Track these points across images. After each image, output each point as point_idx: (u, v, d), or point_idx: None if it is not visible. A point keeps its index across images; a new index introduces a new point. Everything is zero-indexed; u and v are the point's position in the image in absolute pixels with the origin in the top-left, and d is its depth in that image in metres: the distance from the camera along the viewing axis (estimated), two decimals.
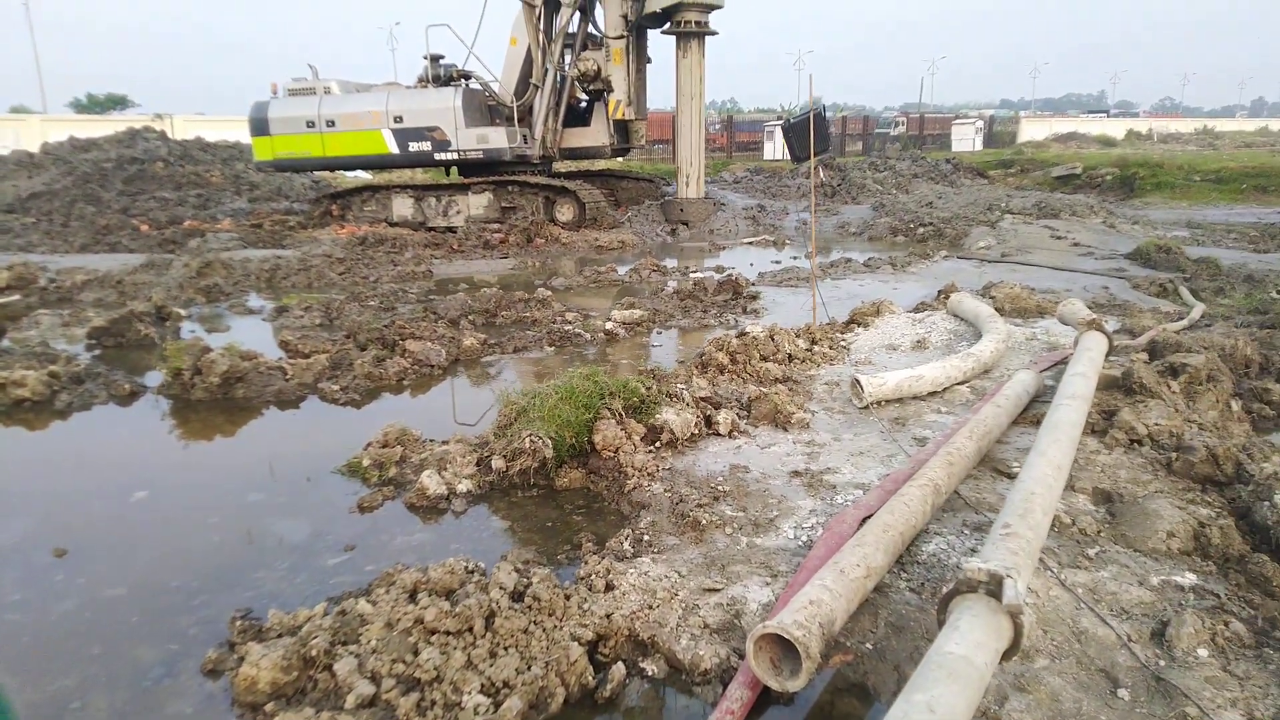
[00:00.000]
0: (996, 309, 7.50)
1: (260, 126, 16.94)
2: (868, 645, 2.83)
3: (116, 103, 55.18)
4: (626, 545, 3.54)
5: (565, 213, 16.44)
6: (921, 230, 15.06)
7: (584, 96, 17.56)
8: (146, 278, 10.96)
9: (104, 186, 20.75)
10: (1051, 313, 7.73)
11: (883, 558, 2.99)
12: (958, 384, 5.60)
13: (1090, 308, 7.19)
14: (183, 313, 8.96)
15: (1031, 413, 4.98)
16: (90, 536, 4.00)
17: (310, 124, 16.59)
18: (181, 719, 2.66)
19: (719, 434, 4.84)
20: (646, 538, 3.63)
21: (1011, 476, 4.10)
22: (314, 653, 2.65)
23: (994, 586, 2.47)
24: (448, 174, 18.50)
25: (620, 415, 4.61)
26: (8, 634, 3.20)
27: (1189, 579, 3.15)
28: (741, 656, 2.73)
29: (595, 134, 17.35)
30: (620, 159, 22.80)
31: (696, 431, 4.77)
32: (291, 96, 17.00)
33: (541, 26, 16.27)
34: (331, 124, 16.51)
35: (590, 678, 2.65)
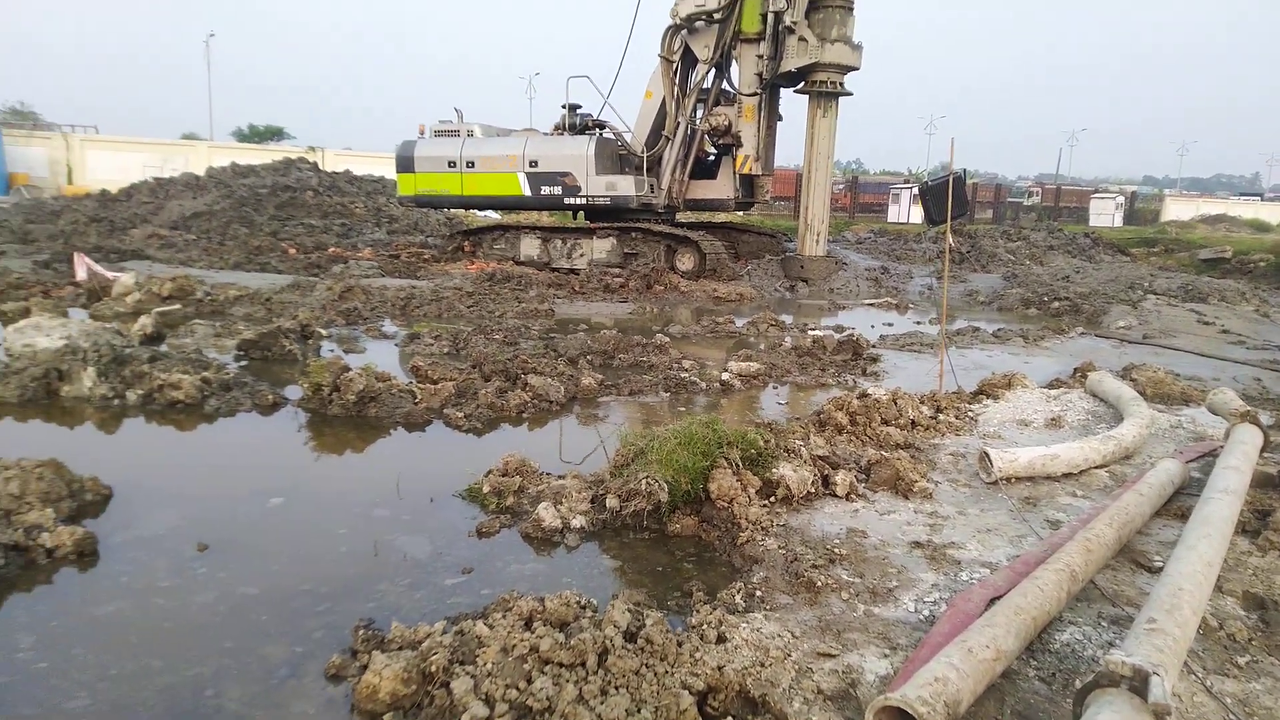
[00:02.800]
0: (1138, 392, 7.09)
1: (406, 164, 18.01)
2: None
3: (274, 134, 59.72)
4: (739, 599, 3.50)
5: (686, 262, 16.63)
6: (1056, 304, 14.44)
7: (713, 150, 17.87)
8: (292, 297, 11.72)
9: (258, 210, 22.45)
10: (1197, 401, 7.24)
11: (1013, 641, 2.84)
12: (1096, 467, 5.30)
13: (1242, 400, 6.70)
14: (324, 332, 9.52)
15: (1175, 505, 4.66)
16: (230, 535, 4.25)
17: (452, 164, 17.50)
18: (305, 719, 2.77)
19: (835, 495, 4.74)
20: (759, 593, 3.57)
21: (1153, 570, 3.84)
22: (433, 668, 2.72)
23: (1139, 683, 2.31)
24: (574, 218, 19.09)
25: (737, 466, 4.58)
26: (156, 617, 3.43)
27: None
28: None
29: (721, 187, 17.59)
30: (743, 213, 22.98)
31: (813, 490, 4.69)
32: (437, 137, 18.03)
33: (677, 81, 16.73)
34: (471, 165, 17.37)
35: None
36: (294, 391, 6.88)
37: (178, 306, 10.87)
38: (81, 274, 12.81)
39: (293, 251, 18.31)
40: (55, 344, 7.26)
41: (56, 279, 12.85)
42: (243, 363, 8.13)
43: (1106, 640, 3.19)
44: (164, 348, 8.12)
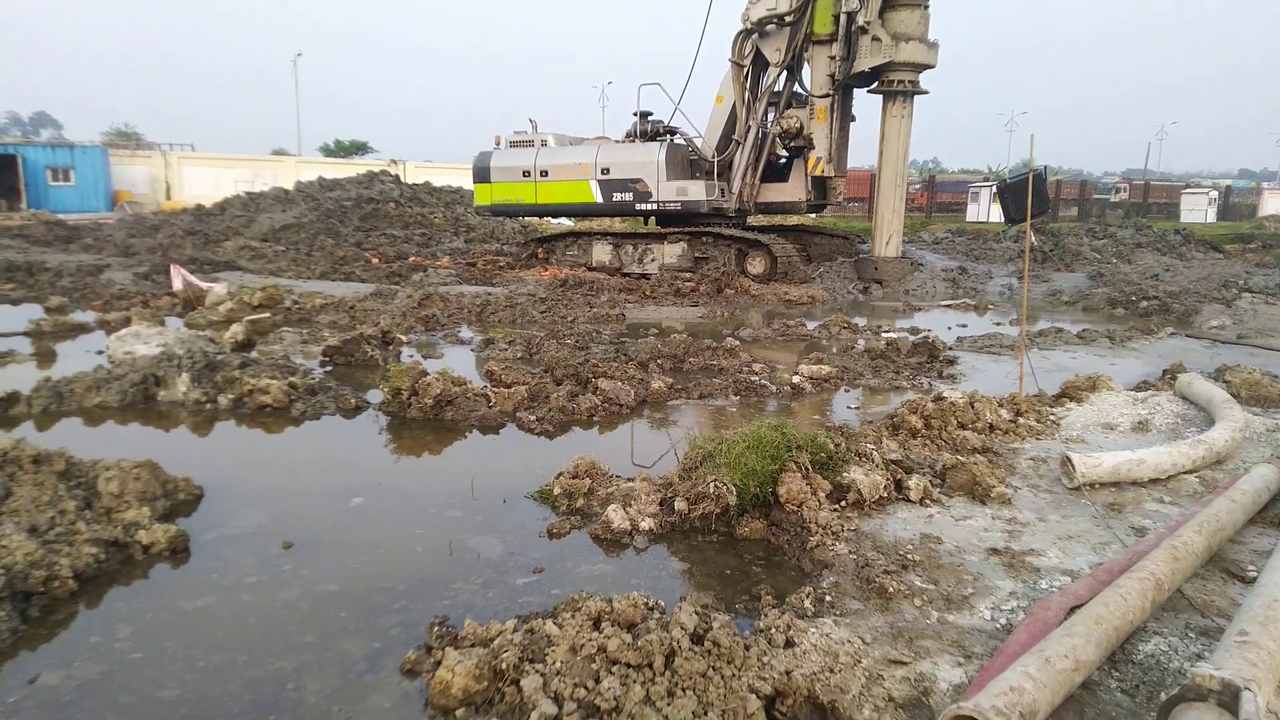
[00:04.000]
0: (1232, 395, 6.74)
1: (482, 174, 18.44)
2: None
3: (359, 148, 61.74)
4: (808, 603, 3.47)
5: (756, 265, 16.54)
6: (1145, 304, 13.84)
7: (784, 153, 17.73)
8: (374, 305, 12.11)
9: (343, 222, 23.26)
10: None
11: (1094, 652, 2.75)
12: (1185, 473, 5.07)
13: None
14: (404, 339, 9.81)
15: (1273, 513, 4.42)
16: (313, 533, 4.43)
17: (526, 173, 17.83)
18: (380, 713, 2.86)
19: (909, 500, 4.65)
20: (829, 598, 3.54)
21: (1246, 581, 3.65)
22: (504, 665, 2.78)
23: (1228, 698, 2.22)
24: (645, 223, 19.19)
25: (807, 469, 4.54)
26: (242, 612, 3.60)
27: None
28: None
29: (792, 189, 17.44)
30: (815, 215, 22.72)
31: (885, 495, 4.61)
32: (512, 148, 18.41)
33: (748, 85, 16.67)
34: (545, 174, 17.66)
35: None
36: (375, 396, 7.11)
37: (267, 315, 11.35)
38: (178, 284, 13.51)
39: (375, 261, 18.91)
40: (153, 351, 7.68)
41: (155, 290, 13.60)
42: (327, 368, 8.43)
43: (1194, 653, 3.05)
44: (254, 354, 8.49)
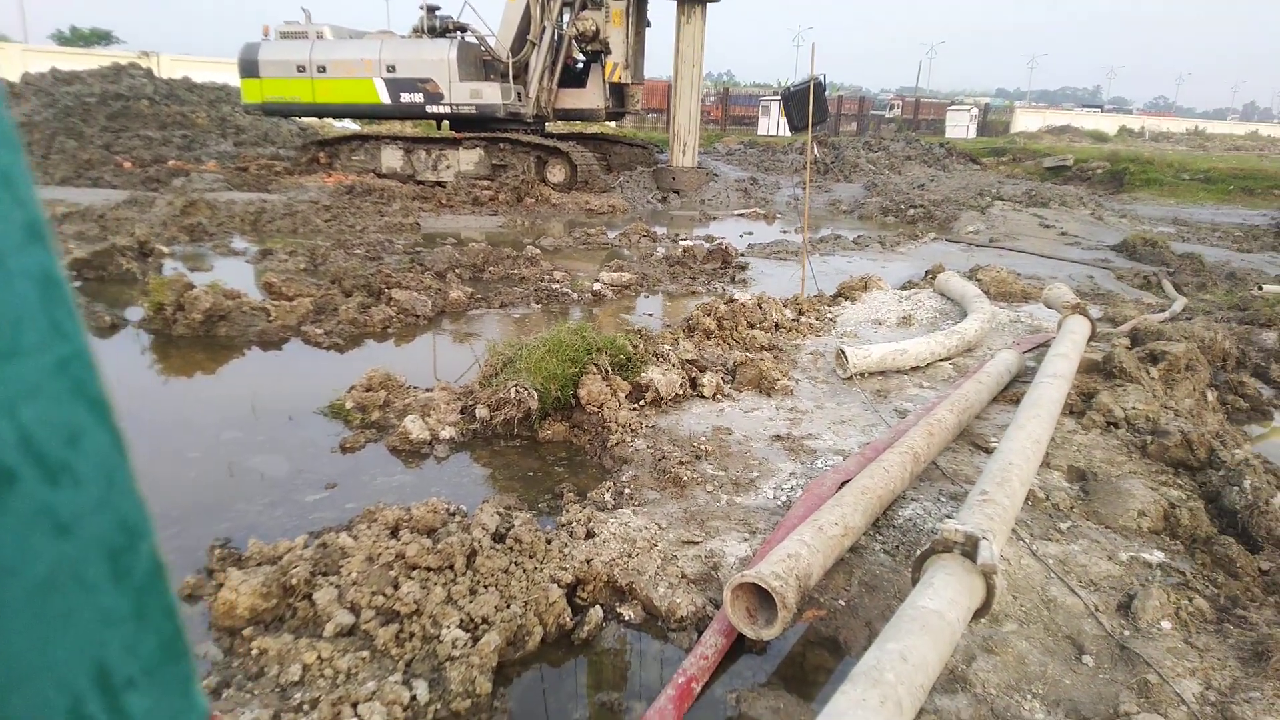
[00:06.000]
0: (982, 291, 7.55)
1: (250, 68, 16.59)
2: (841, 602, 2.88)
3: (101, 38, 53.79)
4: (608, 497, 3.57)
5: (557, 174, 16.29)
6: (912, 211, 15.09)
7: (581, 57, 17.34)
8: (129, 214, 10.76)
9: (86, 121, 20.30)
10: (1036, 298, 7.79)
11: (860, 519, 3.03)
12: (941, 360, 5.65)
13: (1075, 295, 7.26)
14: (166, 250, 8.83)
15: (1012, 391, 5.04)
16: None
17: (301, 68, 16.27)
18: None
19: (703, 396, 4.87)
20: (628, 491, 3.66)
21: (989, 451, 4.16)
22: (294, 581, 2.65)
23: (969, 548, 2.52)
24: (439, 127, 18.25)
25: (606, 371, 4.62)
26: None
27: (1157, 556, 3.22)
28: (717, 606, 2.77)
29: (590, 96, 17.16)
30: (614, 123, 22.62)
31: (681, 392, 4.79)
32: (283, 40, 16.66)
33: None
34: (323, 70, 16.20)
35: (568, 619, 2.68)
36: (135, 313, 6.39)
37: None
38: None
39: (128, 165, 16.73)
40: None
41: None
42: (76, 284, 7.46)
43: (945, 514, 3.46)
44: None
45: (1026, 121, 46.74)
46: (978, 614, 2.48)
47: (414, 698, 2.26)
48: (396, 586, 2.66)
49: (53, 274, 0.39)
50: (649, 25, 17.21)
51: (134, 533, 0.42)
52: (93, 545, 0.40)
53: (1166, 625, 2.77)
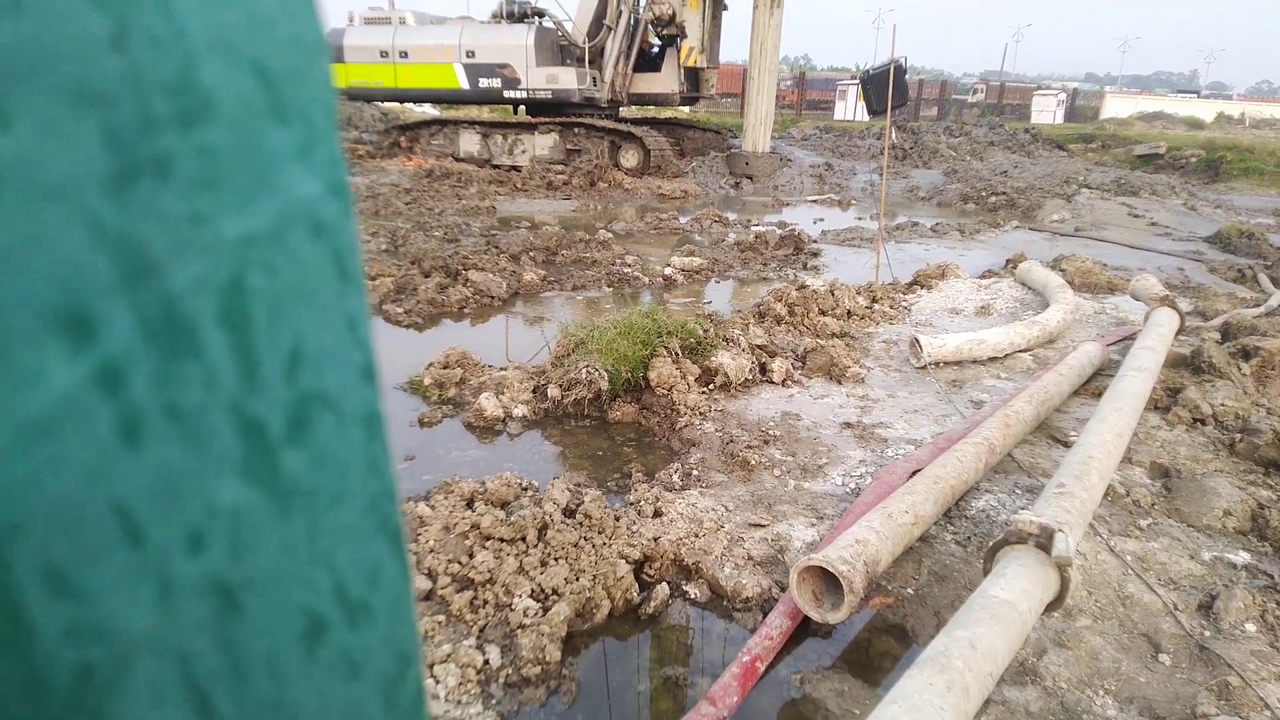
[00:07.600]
0: (1066, 281, 7.31)
1: (335, 54, 17.09)
2: (909, 590, 2.86)
3: None
4: (676, 478, 3.61)
5: (630, 159, 16.34)
6: (993, 199, 14.65)
7: (656, 41, 17.30)
8: None
9: None
10: (1123, 290, 7.51)
11: (931, 508, 3.00)
12: (1020, 351, 5.51)
13: (1164, 287, 6.98)
14: None
15: (1094, 385, 4.89)
16: None
17: (384, 54, 16.68)
18: None
19: (773, 382, 4.86)
20: (696, 473, 3.69)
21: (1068, 445, 4.06)
22: None
23: (1044, 540, 2.48)
24: (515, 112, 18.49)
25: (676, 354, 4.65)
26: None
27: (1242, 557, 3.11)
28: (783, 590, 2.79)
29: (665, 80, 17.12)
30: (688, 108, 22.51)
31: (750, 377, 4.80)
32: (367, 25, 17.11)
33: None
34: (404, 55, 16.57)
35: (635, 594, 2.74)
36: None
37: None
38: None
39: None
40: None
41: None
42: None
43: (1019, 507, 3.40)
44: None
45: (1117, 107, 44.74)
46: (1050, 607, 2.44)
47: (487, 662, 2.36)
48: (471, 555, 2.76)
49: (376, 412, 0.37)
50: (725, 9, 17.05)
51: (406, 661, 0.40)
52: (376, 682, 0.38)
53: (1251, 628, 2.68)
